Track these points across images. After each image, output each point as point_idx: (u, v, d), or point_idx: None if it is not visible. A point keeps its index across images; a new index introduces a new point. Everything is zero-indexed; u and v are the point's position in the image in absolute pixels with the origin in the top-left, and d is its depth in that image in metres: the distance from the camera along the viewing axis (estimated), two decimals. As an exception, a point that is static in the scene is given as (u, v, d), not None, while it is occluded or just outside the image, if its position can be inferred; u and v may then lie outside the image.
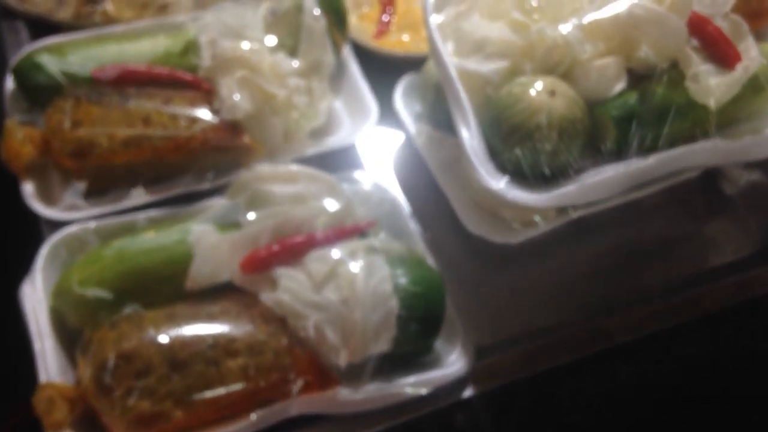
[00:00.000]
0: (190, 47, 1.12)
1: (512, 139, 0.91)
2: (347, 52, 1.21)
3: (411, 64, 1.21)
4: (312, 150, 1.10)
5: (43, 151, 1.04)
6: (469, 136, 0.93)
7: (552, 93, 0.91)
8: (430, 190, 1.12)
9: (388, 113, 1.17)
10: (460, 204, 1.06)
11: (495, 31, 0.98)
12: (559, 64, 0.96)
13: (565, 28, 0.95)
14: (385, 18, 1.26)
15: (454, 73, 0.96)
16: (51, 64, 1.07)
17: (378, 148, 1.20)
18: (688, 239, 1.11)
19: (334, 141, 1.13)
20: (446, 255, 1.07)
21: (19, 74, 1.08)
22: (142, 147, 1.03)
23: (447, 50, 1.00)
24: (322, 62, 1.15)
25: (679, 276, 1.07)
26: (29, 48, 1.13)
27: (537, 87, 0.92)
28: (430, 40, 1.00)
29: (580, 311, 1.04)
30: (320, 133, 1.15)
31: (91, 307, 0.89)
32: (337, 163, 1.13)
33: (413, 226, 1.05)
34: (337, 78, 1.19)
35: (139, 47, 1.12)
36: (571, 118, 0.91)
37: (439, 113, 1.10)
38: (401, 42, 1.25)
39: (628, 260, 1.10)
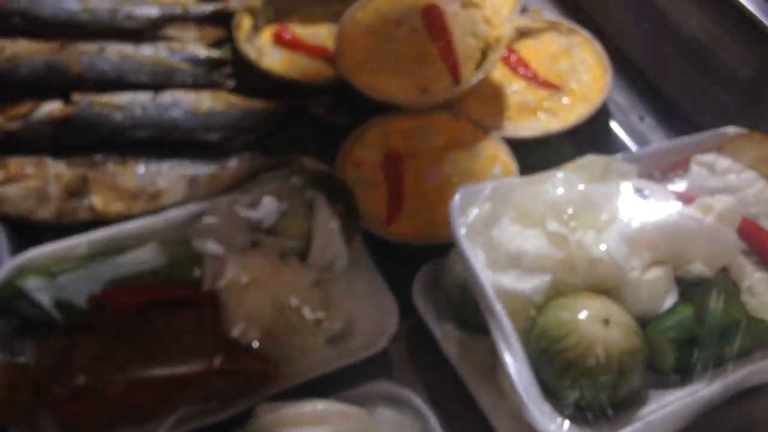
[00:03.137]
0: (192, 256, 1.03)
1: (567, 376, 0.83)
2: (359, 243, 1.12)
3: (428, 251, 1.14)
4: (333, 365, 1.01)
5: (35, 394, 0.93)
6: (517, 369, 0.85)
7: (606, 322, 0.84)
8: (461, 397, 1.03)
9: (405, 302, 1.08)
10: (498, 420, 0.97)
11: (531, 243, 0.91)
12: (604, 281, 0.88)
13: (608, 241, 0.89)
14: (394, 205, 1.18)
15: (492, 293, 0.89)
16: (39, 291, 0.96)
17: (398, 344, 1.11)
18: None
19: (353, 349, 1.04)
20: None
21: (2, 304, 0.97)
22: (148, 386, 0.93)
23: (480, 263, 0.92)
24: (335, 262, 1.07)
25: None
26: (11, 264, 1.03)
27: (588, 315, 0.85)
28: (463, 257, 0.93)
29: None
30: (337, 337, 1.06)
31: None
32: (356, 366, 1.03)
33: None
34: (349, 270, 1.11)
35: (137, 259, 1.02)
36: (630, 350, 0.83)
37: (467, 315, 1.02)
38: (414, 226, 1.17)
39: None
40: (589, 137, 1.34)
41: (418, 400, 0.99)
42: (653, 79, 1.46)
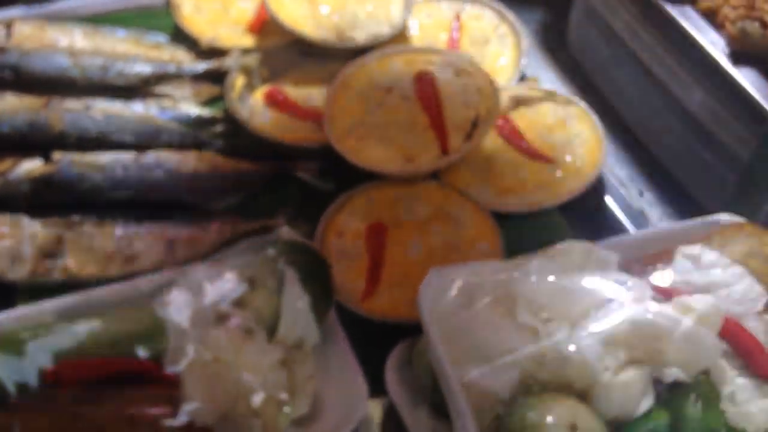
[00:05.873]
0: (157, 328, 1.00)
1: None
2: (333, 318, 1.08)
3: (407, 327, 1.10)
4: (296, 450, 0.97)
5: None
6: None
7: (573, 428, 0.79)
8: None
9: (380, 380, 1.04)
10: None
11: (500, 336, 0.87)
12: (575, 380, 0.84)
13: (580, 338, 0.84)
14: (373, 279, 1.15)
15: (458, 387, 0.85)
16: (-3, 364, 0.94)
17: (369, 427, 1.07)
18: None
19: (320, 432, 1.00)
20: None
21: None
22: (97, 468, 0.89)
23: (448, 352, 0.88)
24: (304, 340, 1.03)
25: None
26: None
27: (555, 419, 0.80)
28: (430, 344, 0.89)
29: None
30: (303, 420, 1.02)
31: None
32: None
33: None
34: (321, 347, 1.07)
35: (100, 330, 0.99)
36: (596, 459, 0.78)
37: (439, 400, 0.97)
38: (392, 304, 1.13)
39: None
40: (584, 212, 1.30)
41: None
42: (655, 153, 1.41)
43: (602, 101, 1.48)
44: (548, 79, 1.54)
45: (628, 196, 1.37)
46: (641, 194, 1.38)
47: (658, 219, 1.33)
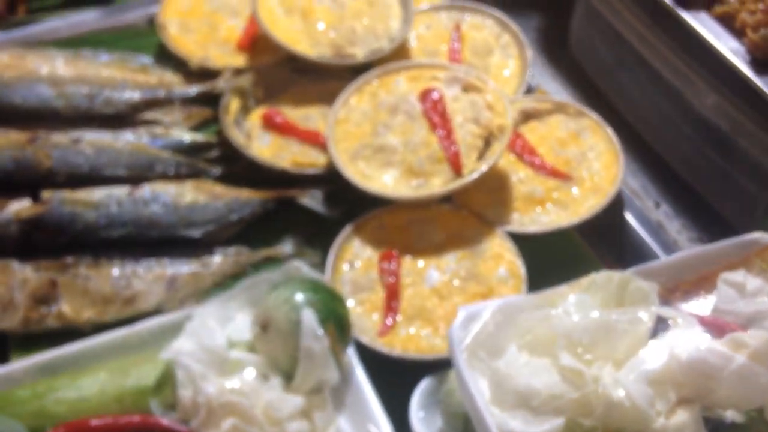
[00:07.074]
0: (166, 379, 0.93)
1: None
2: (350, 356, 1.02)
3: (427, 365, 1.04)
4: (317, 504, 0.91)
5: None
6: None
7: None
8: None
9: (404, 419, 0.98)
10: None
11: (542, 380, 0.81)
12: (625, 427, 0.78)
13: (628, 381, 0.79)
14: (390, 312, 1.08)
15: (498, 440, 0.79)
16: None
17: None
18: None
19: (344, 484, 0.94)
20: None
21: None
22: None
23: (485, 398, 0.82)
24: (323, 382, 0.96)
25: None
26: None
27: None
28: (466, 391, 0.83)
29: None
30: (323, 470, 0.96)
31: None
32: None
33: None
34: (340, 388, 1.01)
35: (104, 384, 0.92)
36: None
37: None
38: (411, 338, 1.07)
39: None
40: (601, 228, 1.25)
41: None
42: (668, 161, 1.37)
43: (608, 108, 1.43)
44: (550, 87, 1.49)
45: (644, 208, 1.32)
46: (658, 206, 1.33)
47: (677, 232, 1.29)
